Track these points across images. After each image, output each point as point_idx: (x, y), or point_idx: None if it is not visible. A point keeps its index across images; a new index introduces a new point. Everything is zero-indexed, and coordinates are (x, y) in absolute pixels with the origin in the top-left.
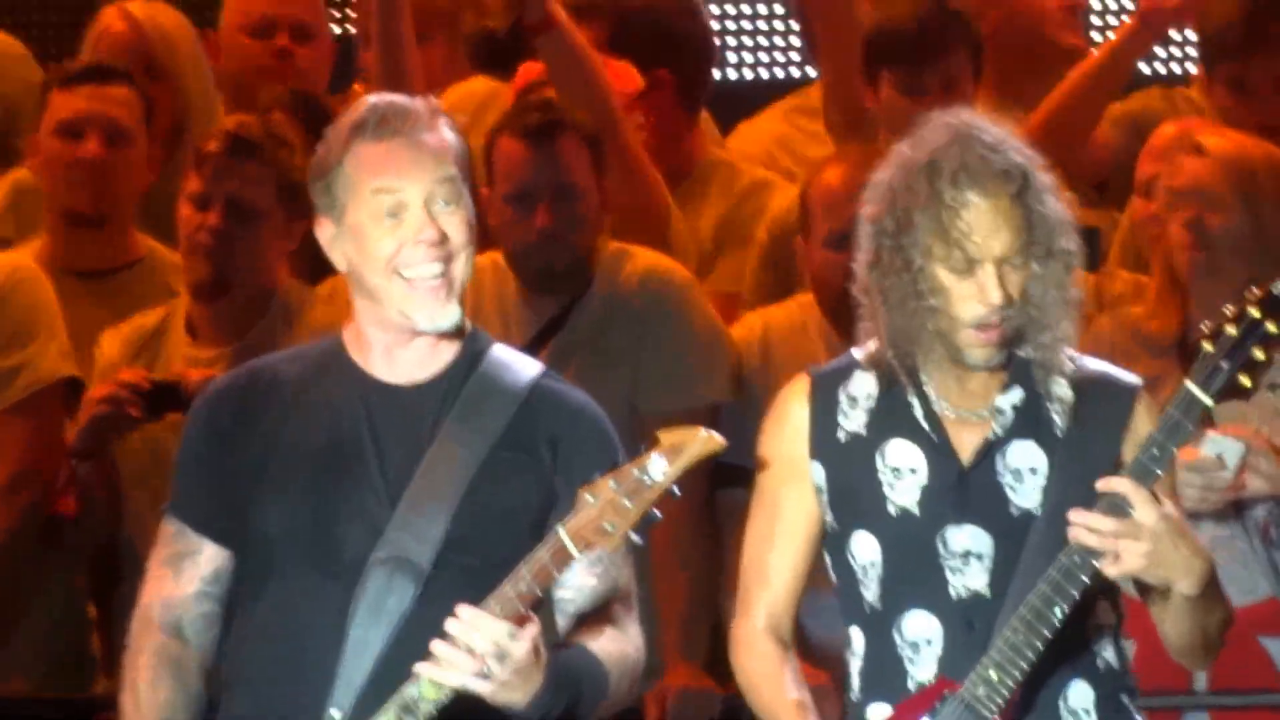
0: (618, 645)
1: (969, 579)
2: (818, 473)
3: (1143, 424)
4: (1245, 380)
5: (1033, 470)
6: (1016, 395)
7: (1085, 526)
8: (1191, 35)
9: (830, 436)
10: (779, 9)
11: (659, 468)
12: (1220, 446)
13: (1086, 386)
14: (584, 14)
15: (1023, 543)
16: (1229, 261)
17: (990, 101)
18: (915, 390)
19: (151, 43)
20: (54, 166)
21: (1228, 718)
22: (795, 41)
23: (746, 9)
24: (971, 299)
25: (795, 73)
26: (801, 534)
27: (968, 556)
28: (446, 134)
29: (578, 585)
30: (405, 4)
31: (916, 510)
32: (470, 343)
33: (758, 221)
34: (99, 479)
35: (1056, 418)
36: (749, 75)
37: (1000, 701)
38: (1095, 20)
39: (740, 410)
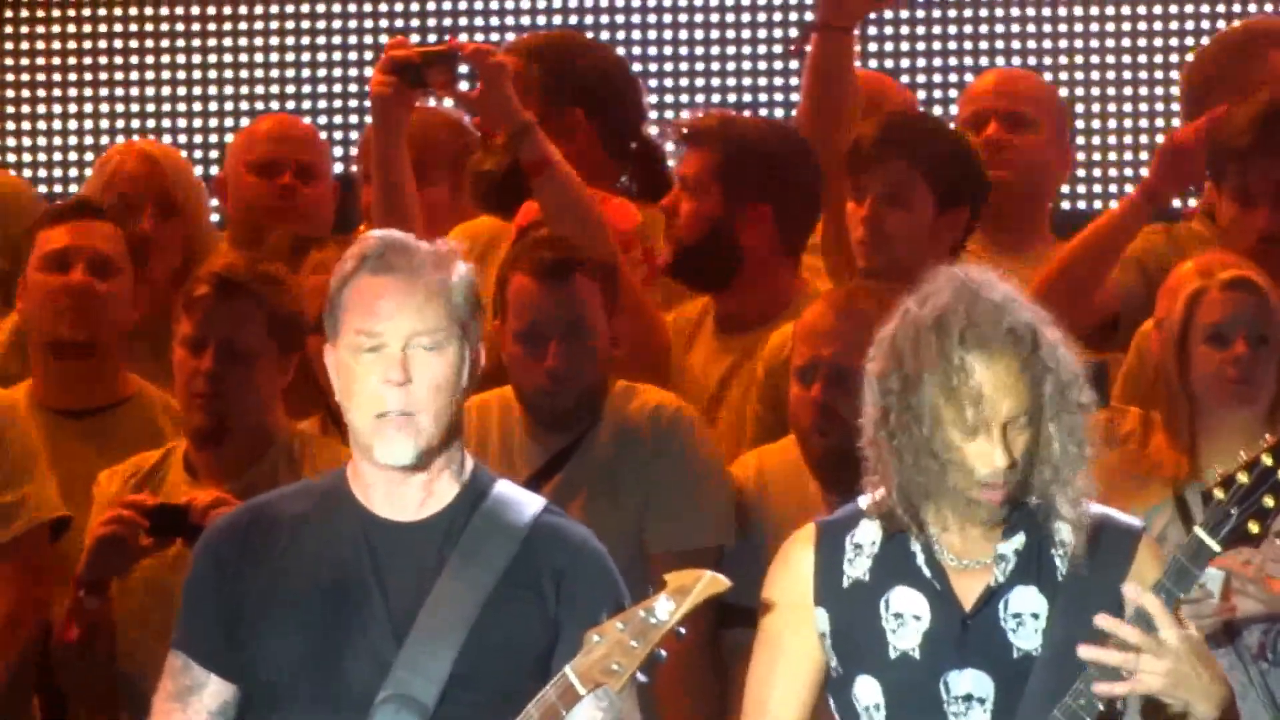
0: None
1: None
2: (821, 619)
3: (1145, 568)
4: (1254, 527)
5: (1034, 615)
6: (1018, 541)
7: (1113, 634)
8: None
9: (835, 583)
10: None
11: (665, 609)
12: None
13: (1089, 530)
14: (696, 140)
15: (1024, 685)
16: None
17: (986, 248)
18: (919, 538)
19: (167, 180)
20: (39, 297)
21: None
22: None
23: None
24: (979, 459)
25: None
26: (805, 677)
27: (970, 700)
28: (451, 278)
29: (585, 718)
30: (403, 145)
31: (918, 655)
32: (473, 480)
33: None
34: (101, 612)
35: (1058, 562)
36: None
37: None
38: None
39: (741, 550)
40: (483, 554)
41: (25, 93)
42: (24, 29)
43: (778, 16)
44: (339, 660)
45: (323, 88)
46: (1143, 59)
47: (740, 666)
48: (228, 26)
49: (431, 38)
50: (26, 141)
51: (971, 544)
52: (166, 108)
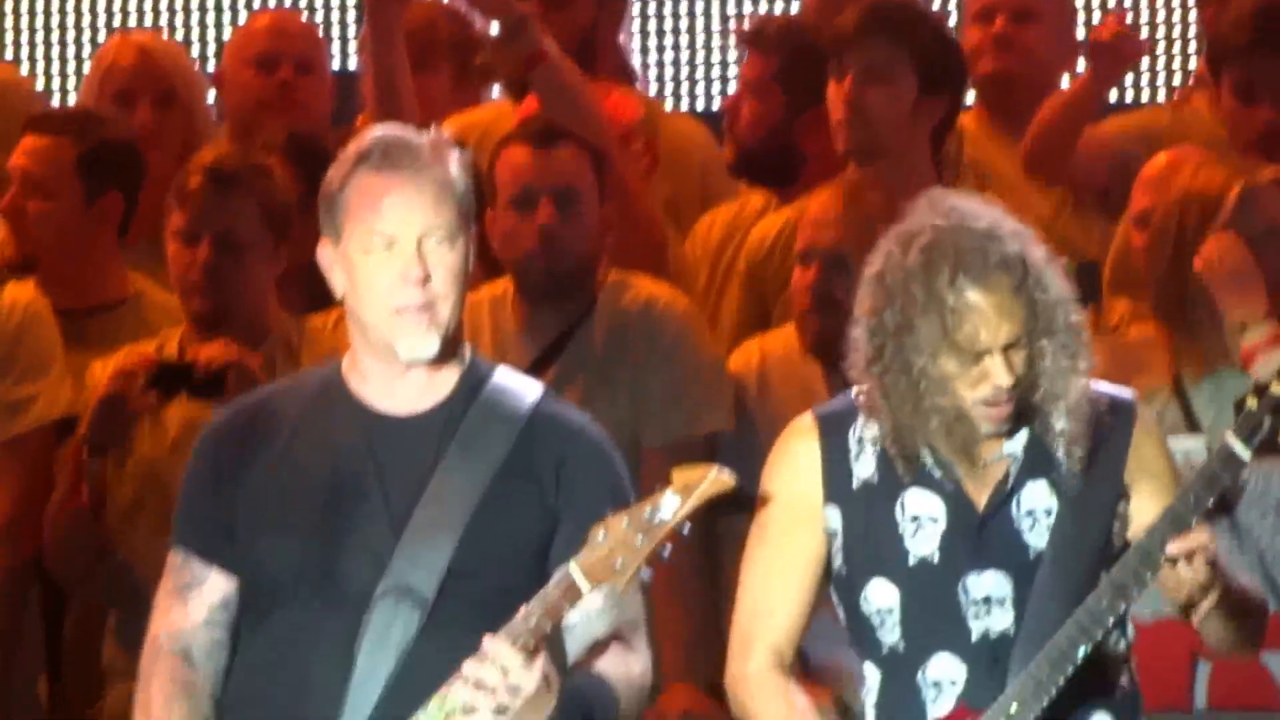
0: (626, 668)
1: (992, 622)
2: (833, 518)
3: (1144, 441)
4: None
5: (1047, 511)
6: (1023, 437)
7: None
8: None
9: (844, 482)
10: None
11: (671, 506)
12: (1183, 447)
13: (1087, 419)
14: (758, 44)
15: None
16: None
17: (993, 139)
18: (925, 444)
19: (163, 71)
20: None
21: None
22: None
23: None
24: (981, 381)
25: None
26: (809, 575)
27: (989, 601)
28: (452, 170)
29: (587, 612)
30: (399, 38)
31: (936, 559)
32: (471, 371)
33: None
34: (101, 481)
35: (1061, 453)
36: None
37: None
38: None
39: (738, 437)
40: (481, 445)
41: None
42: None
43: None
44: (338, 555)
45: None
46: None
47: (731, 553)
48: None
49: None
50: (25, 36)
51: (980, 446)
52: (165, 3)
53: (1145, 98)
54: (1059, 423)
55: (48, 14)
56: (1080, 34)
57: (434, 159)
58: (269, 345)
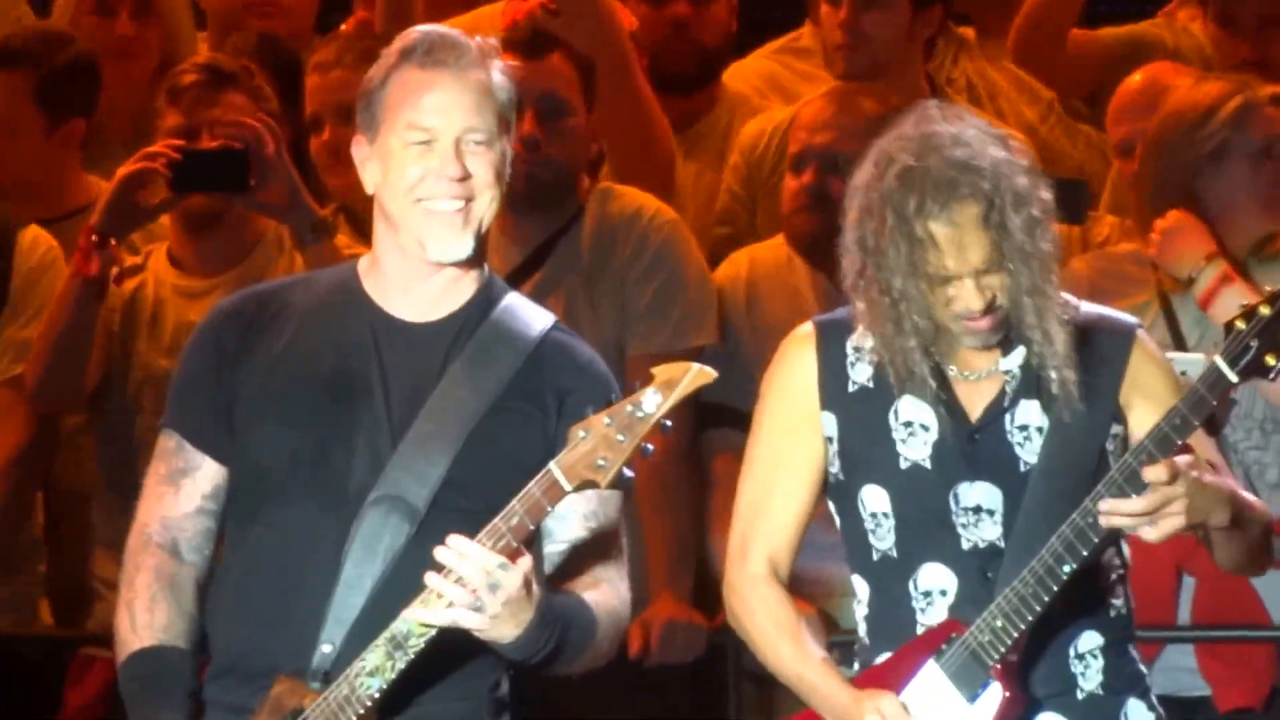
0: (606, 597)
1: (982, 532)
2: (829, 423)
3: (1141, 364)
4: (1271, 360)
5: (1039, 429)
6: (1019, 356)
7: (1117, 514)
8: None
9: (840, 388)
10: None
11: (652, 401)
12: (1182, 364)
13: (1084, 333)
14: None
15: None
16: None
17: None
18: (922, 353)
19: None
20: None
21: (1212, 649)
22: None
23: None
24: (955, 301)
25: None
26: (807, 481)
27: (979, 512)
28: (495, 75)
29: (570, 539)
30: None
31: (929, 465)
32: (487, 287)
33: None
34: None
35: (1054, 374)
36: None
37: (1003, 649)
38: None
39: (725, 349)
40: (489, 362)
41: None
42: None
43: None
44: (334, 454)
45: None
46: None
47: (719, 464)
48: None
49: None
50: None
51: (975, 357)
52: None
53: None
54: (1048, 348)
55: None
56: None
57: (479, 60)
58: (263, 246)
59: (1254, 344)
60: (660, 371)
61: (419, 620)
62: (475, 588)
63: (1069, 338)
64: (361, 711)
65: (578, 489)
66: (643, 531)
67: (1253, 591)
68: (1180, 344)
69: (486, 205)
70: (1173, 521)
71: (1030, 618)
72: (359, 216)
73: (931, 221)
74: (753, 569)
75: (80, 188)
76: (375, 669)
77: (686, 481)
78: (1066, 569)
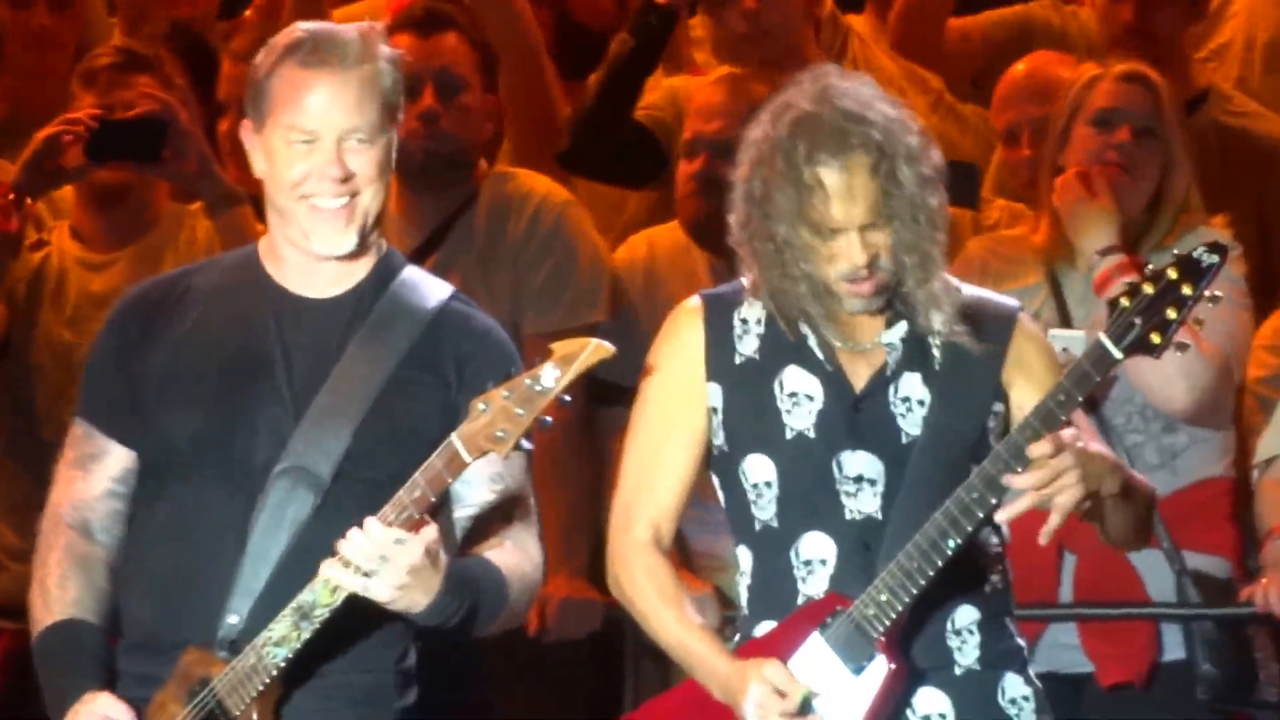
0: (517, 559)
1: (862, 503)
2: (714, 394)
3: (1023, 345)
4: (1155, 338)
5: (920, 402)
6: (902, 329)
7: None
8: None
9: (727, 359)
10: None
11: (551, 376)
12: (1064, 340)
13: (966, 314)
14: None
15: None
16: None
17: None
18: (807, 321)
19: None
20: None
21: (1094, 626)
22: None
23: None
24: (839, 258)
25: None
26: (690, 452)
27: (861, 481)
28: (380, 64)
29: (476, 502)
30: None
31: (813, 434)
32: (384, 261)
33: None
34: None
35: (936, 351)
36: None
37: (888, 623)
38: None
39: (620, 329)
40: (388, 334)
41: None
42: None
43: None
44: (238, 431)
45: None
46: None
47: (615, 441)
48: None
49: None
50: None
51: (860, 327)
52: None
53: None
54: (933, 321)
55: None
56: None
57: (362, 56)
58: (164, 223)
59: (1138, 321)
60: (559, 346)
61: (325, 589)
62: (374, 560)
63: (953, 304)
64: (268, 680)
65: (477, 459)
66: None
67: (1132, 569)
68: (1067, 324)
69: (371, 199)
70: (1072, 492)
71: (915, 591)
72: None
73: (821, 168)
74: (637, 535)
75: None
76: (282, 639)
77: (579, 458)
78: (951, 544)
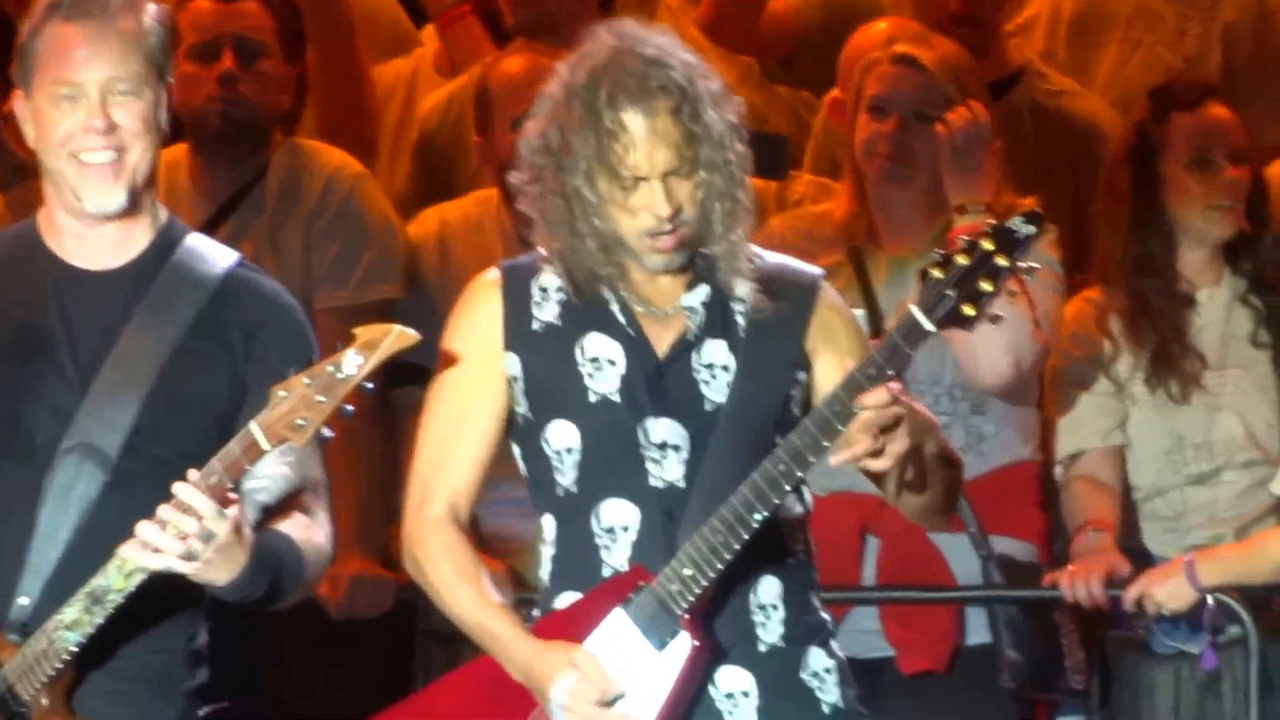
0: (311, 533)
1: (666, 470)
2: (512, 363)
3: (826, 314)
4: (969, 310)
5: (724, 368)
6: (703, 293)
7: (853, 457)
8: None
9: (524, 327)
10: None
11: (353, 363)
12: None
13: (768, 281)
14: None
15: None
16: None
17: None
18: (608, 288)
19: None
20: None
21: (895, 612)
22: None
23: None
24: (641, 210)
25: None
26: (487, 427)
27: (665, 448)
28: (145, 20)
29: (270, 475)
30: None
31: (617, 398)
32: (165, 231)
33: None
34: None
35: (740, 317)
36: None
37: (692, 599)
38: None
39: (416, 307)
40: (171, 305)
41: None
42: None
43: None
44: (23, 409)
45: None
46: None
47: (411, 422)
48: None
49: None
50: None
51: (660, 292)
52: None
53: None
54: (734, 285)
55: None
56: None
57: (125, 10)
58: None
59: (951, 293)
60: (362, 333)
61: (118, 573)
62: (189, 537)
63: (755, 268)
64: (59, 665)
65: (277, 447)
66: (332, 489)
67: (936, 553)
68: (872, 303)
69: (140, 155)
70: (899, 443)
71: (720, 566)
72: None
73: (623, 113)
74: (433, 512)
75: None
76: (73, 623)
77: (373, 438)
78: (757, 517)
